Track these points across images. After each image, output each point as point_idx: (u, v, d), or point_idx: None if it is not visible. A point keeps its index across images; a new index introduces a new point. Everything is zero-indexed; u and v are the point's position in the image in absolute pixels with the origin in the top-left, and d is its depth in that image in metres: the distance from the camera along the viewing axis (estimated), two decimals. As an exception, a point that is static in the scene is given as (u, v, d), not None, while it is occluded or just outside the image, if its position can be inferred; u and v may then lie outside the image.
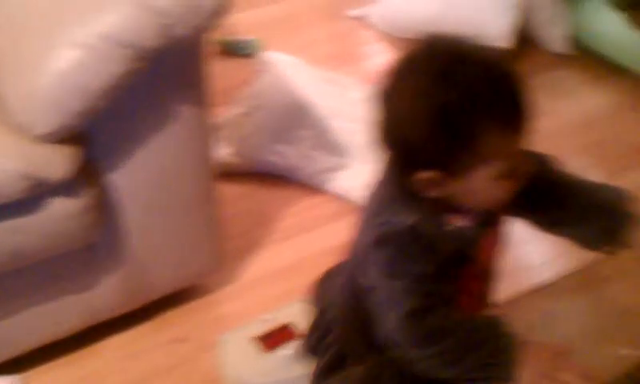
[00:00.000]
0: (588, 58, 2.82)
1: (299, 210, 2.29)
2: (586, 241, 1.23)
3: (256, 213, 2.28)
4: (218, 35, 2.88)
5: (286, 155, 2.33)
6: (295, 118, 2.35)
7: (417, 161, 1.04)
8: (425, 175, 1.05)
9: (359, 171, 2.30)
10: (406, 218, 1.08)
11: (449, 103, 0.98)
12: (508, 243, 1.26)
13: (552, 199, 1.21)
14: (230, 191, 2.29)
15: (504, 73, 1.02)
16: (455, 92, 0.98)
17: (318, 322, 1.41)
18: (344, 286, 1.30)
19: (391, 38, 2.96)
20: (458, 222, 1.12)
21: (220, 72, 2.76)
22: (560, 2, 2.83)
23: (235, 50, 2.88)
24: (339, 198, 2.30)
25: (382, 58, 2.92)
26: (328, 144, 2.35)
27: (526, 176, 1.08)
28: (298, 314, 1.77)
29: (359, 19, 3.05)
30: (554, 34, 2.83)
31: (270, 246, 2.18)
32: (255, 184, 2.36)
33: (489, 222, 1.17)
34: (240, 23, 3.06)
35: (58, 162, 1.51)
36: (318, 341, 1.39)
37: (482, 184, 1.05)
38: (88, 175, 1.60)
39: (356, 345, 1.30)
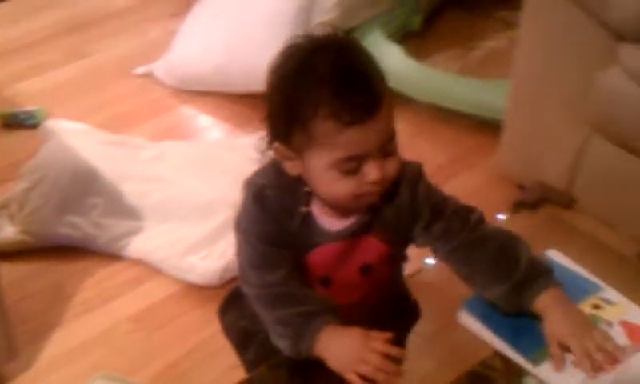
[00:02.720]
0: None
1: (98, 280, 2.21)
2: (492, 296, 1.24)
3: (51, 290, 2.18)
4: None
5: (77, 226, 2.24)
6: (82, 187, 2.28)
7: (271, 132, 1.19)
8: (275, 145, 1.18)
9: (156, 233, 2.26)
10: (262, 179, 1.22)
11: (292, 95, 1.14)
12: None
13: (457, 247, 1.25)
14: (21, 271, 2.20)
15: (347, 75, 1.12)
16: (299, 87, 1.13)
17: None
18: None
19: (179, 92, 2.94)
20: (317, 214, 1.21)
21: (2, 147, 2.68)
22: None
23: (19, 122, 2.75)
24: (139, 263, 2.24)
25: (172, 113, 2.89)
26: (120, 209, 2.30)
27: (374, 182, 1.14)
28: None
29: (147, 76, 3.01)
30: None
31: (70, 322, 2.09)
32: (48, 260, 2.25)
33: (345, 235, 1.22)
34: (23, 93, 2.96)
35: None
36: None
37: (317, 168, 1.15)
38: None
39: None
